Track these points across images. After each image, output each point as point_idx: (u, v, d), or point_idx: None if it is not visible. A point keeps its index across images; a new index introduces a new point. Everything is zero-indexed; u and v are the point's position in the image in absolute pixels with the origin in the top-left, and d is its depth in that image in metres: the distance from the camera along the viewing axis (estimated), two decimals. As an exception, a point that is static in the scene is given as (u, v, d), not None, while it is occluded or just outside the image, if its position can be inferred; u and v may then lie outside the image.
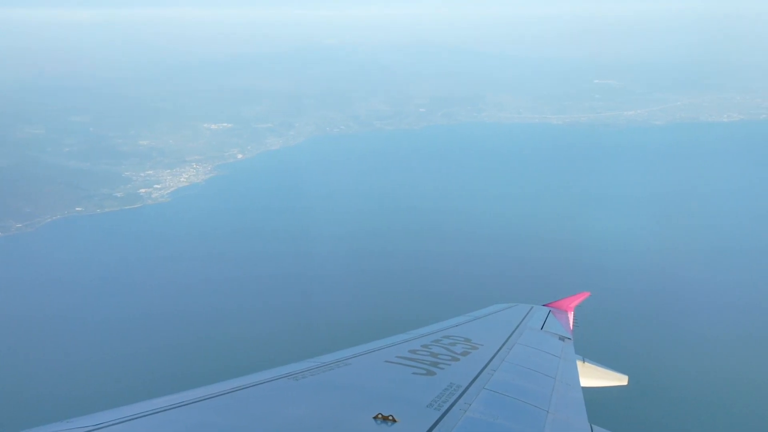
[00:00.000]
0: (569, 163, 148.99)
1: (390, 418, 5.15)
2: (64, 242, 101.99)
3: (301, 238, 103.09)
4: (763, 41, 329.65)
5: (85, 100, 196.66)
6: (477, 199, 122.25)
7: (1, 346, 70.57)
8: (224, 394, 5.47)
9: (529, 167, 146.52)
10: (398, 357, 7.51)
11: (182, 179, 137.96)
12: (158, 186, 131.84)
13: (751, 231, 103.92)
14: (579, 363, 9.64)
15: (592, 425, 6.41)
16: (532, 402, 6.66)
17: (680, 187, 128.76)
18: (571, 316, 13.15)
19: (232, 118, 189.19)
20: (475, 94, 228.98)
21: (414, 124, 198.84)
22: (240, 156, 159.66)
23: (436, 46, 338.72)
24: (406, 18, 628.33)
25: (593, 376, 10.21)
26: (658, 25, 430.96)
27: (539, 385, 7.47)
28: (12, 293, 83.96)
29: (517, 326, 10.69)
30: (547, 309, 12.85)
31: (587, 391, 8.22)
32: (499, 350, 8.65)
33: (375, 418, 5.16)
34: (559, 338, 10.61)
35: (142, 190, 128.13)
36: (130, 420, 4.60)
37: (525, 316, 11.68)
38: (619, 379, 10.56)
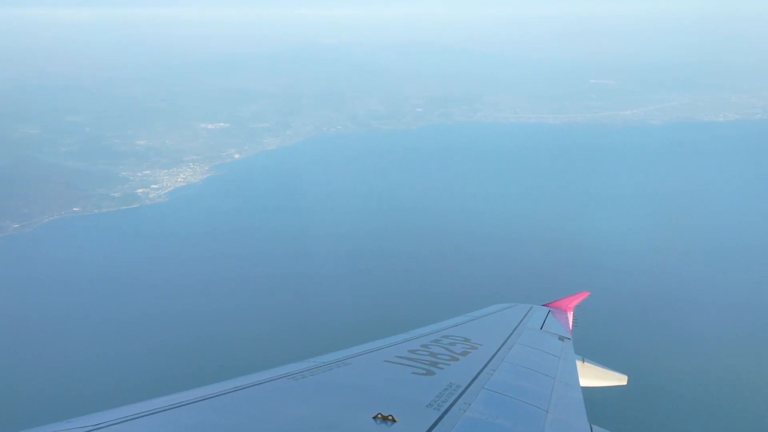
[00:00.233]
0: (567, 162, 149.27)
1: (390, 418, 5.15)
2: (62, 242, 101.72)
3: (298, 238, 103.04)
4: (757, 42, 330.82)
5: (82, 99, 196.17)
6: (475, 199, 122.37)
7: (-1, 346, 70.42)
8: (224, 394, 5.47)
9: (526, 167, 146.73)
10: (398, 357, 7.51)
11: (179, 179, 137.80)
12: (155, 186, 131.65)
13: (749, 230, 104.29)
14: (578, 363, 9.63)
15: (592, 425, 6.40)
16: (532, 402, 6.66)
17: (677, 186, 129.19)
18: (570, 316, 13.12)
19: (228, 118, 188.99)
20: (472, 94, 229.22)
21: (411, 123, 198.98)
22: (237, 156, 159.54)
23: (433, 46, 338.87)
24: (403, 18, 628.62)
25: (593, 376, 10.19)
26: (654, 26, 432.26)
27: (539, 385, 7.47)
28: (10, 293, 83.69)
29: (517, 326, 10.70)
30: (546, 309, 12.83)
31: (587, 391, 8.22)
32: (498, 350, 8.64)
33: (375, 418, 5.16)
34: (559, 338, 10.61)
35: (140, 190, 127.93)
36: (130, 420, 4.60)
37: (524, 316, 11.68)
38: (618, 379, 10.55)
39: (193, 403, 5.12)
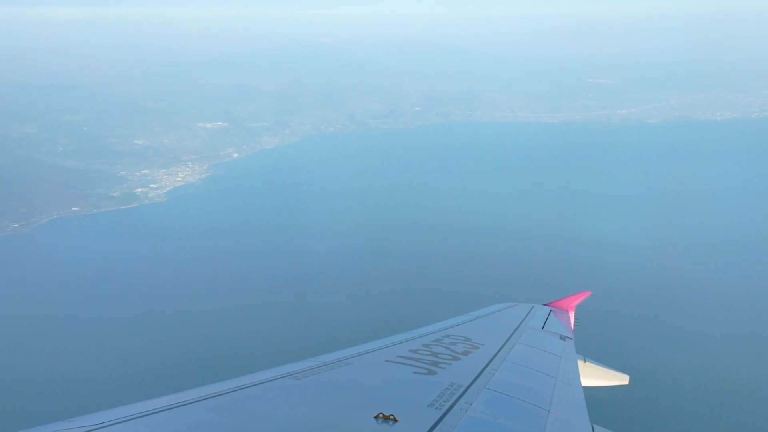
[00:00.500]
0: (564, 161, 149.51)
1: (391, 417, 5.13)
2: (61, 242, 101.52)
3: (298, 237, 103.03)
4: (754, 41, 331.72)
5: (79, 99, 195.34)
6: (473, 198, 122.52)
7: (-1, 346, 70.34)
8: (224, 393, 5.46)
9: (524, 166, 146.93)
10: (399, 356, 7.49)
11: (178, 179, 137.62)
12: (154, 185, 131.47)
13: (748, 229, 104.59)
14: (580, 362, 9.61)
15: (593, 425, 6.38)
16: (534, 401, 6.64)
17: (675, 185, 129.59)
18: (572, 315, 13.12)
19: (226, 117, 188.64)
20: (470, 93, 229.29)
21: (409, 123, 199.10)
22: (235, 155, 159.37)
23: (431, 46, 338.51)
24: (401, 17, 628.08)
25: (594, 376, 10.17)
26: (651, 25, 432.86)
27: (540, 385, 7.45)
28: (9, 293, 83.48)
29: (518, 326, 10.68)
30: (548, 308, 12.82)
31: (588, 390, 8.19)
32: (500, 350, 8.61)
33: (376, 417, 5.14)
34: (560, 338, 10.57)
35: (139, 190, 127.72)
36: (130, 420, 4.58)
37: (526, 316, 11.67)
38: (620, 379, 10.54)
39: (193, 402, 5.11)
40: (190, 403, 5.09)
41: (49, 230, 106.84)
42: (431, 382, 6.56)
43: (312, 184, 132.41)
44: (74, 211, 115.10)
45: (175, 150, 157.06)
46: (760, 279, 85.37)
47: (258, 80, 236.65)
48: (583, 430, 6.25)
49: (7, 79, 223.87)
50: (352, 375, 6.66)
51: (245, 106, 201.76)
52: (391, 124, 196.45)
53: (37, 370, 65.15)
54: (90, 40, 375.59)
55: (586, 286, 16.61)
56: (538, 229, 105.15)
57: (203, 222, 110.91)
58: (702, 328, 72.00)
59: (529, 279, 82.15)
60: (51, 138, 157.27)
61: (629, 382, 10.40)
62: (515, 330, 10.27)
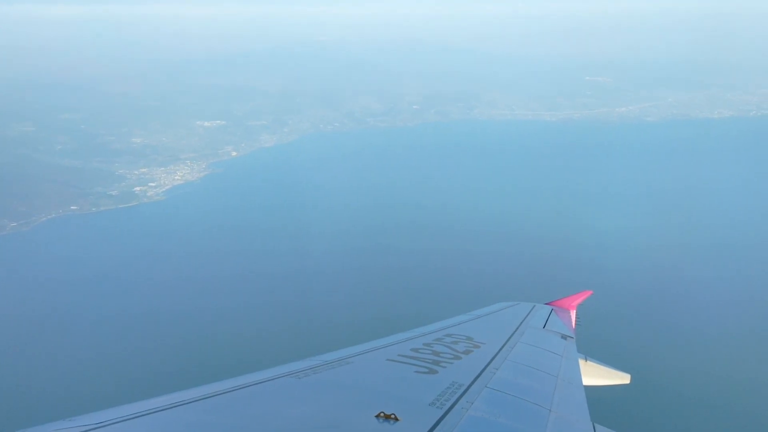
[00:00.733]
0: (563, 159, 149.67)
1: (392, 416, 5.12)
2: (60, 241, 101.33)
3: (297, 235, 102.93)
4: (751, 39, 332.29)
5: (76, 97, 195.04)
6: (472, 196, 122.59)
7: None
8: (225, 392, 5.44)
9: (523, 164, 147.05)
10: (400, 355, 7.49)
11: (177, 177, 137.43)
12: (153, 184, 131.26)
13: (747, 226, 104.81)
14: (581, 362, 9.56)
15: (595, 424, 6.36)
16: (535, 401, 6.62)
17: (673, 183, 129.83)
18: (573, 314, 13.09)
19: (224, 116, 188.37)
20: (468, 91, 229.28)
21: (408, 121, 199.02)
22: (234, 153, 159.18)
23: (428, 44, 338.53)
24: (399, 16, 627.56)
25: (595, 375, 10.14)
26: (649, 23, 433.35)
27: (541, 384, 7.43)
28: (8, 293, 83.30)
29: (519, 325, 10.64)
30: (549, 307, 12.80)
31: (590, 389, 8.17)
32: (501, 349, 8.59)
33: (377, 416, 5.13)
34: (562, 337, 10.54)
35: (137, 189, 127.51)
36: (131, 419, 4.58)
37: (527, 315, 11.63)
38: (621, 378, 10.51)
39: (194, 402, 5.10)
40: (190, 402, 5.07)
41: (48, 229, 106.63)
42: (432, 381, 6.55)
43: (311, 182, 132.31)
44: (73, 210, 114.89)
45: (173, 148, 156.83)
46: (759, 276, 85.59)
47: (256, 79, 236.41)
48: (584, 430, 6.23)
49: (4, 77, 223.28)
50: (353, 374, 6.65)
51: (244, 104, 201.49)
52: (390, 123, 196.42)
53: (36, 369, 65.05)
54: (88, 38, 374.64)
55: (586, 285, 16.62)
56: (537, 227, 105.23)
57: (202, 220, 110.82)
58: (703, 327, 71.99)
59: (530, 278, 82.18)
60: (49, 137, 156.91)
61: (630, 381, 10.38)
62: (516, 329, 10.23)
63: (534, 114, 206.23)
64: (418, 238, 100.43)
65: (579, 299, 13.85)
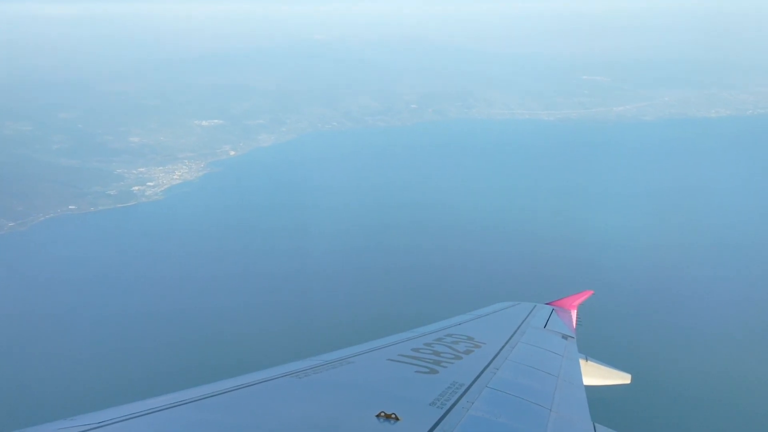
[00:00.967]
0: (561, 158, 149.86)
1: (393, 416, 5.13)
2: (58, 241, 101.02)
3: (296, 235, 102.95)
4: (749, 39, 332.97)
5: (73, 96, 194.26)
6: (471, 195, 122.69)
7: (-3, 345, 70.09)
8: (226, 392, 5.45)
9: (520, 163, 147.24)
10: (401, 355, 7.49)
11: (175, 176, 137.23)
12: (151, 183, 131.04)
13: (746, 225, 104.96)
14: (582, 361, 9.58)
15: (595, 424, 6.36)
16: (535, 401, 6.62)
17: (671, 181, 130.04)
18: (574, 314, 13.10)
19: (222, 115, 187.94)
20: (465, 90, 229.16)
21: (405, 120, 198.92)
22: (232, 153, 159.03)
23: (426, 43, 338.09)
24: (396, 14, 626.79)
25: (596, 375, 10.15)
26: (646, 23, 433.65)
27: (542, 384, 7.43)
28: (6, 293, 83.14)
29: (520, 325, 10.64)
30: (550, 307, 12.80)
31: (590, 389, 8.18)
32: (501, 349, 8.58)
33: (378, 416, 5.14)
34: (562, 337, 10.53)
35: (135, 188, 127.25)
36: (130, 419, 4.58)
37: (528, 315, 11.62)
38: (622, 378, 10.52)
39: (194, 401, 5.10)
40: (191, 402, 5.07)
41: (45, 229, 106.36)
42: (433, 380, 6.54)
43: (309, 181, 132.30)
44: (71, 210, 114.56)
45: (171, 147, 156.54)
46: (759, 275, 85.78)
47: (254, 77, 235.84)
48: (585, 430, 6.22)
49: (1, 76, 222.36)
50: (354, 374, 6.66)
51: (241, 103, 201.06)
52: (387, 122, 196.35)
53: (36, 368, 64.95)
54: (85, 36, 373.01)
55: (586, 284, 16.63)
56: (536, 226, 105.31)
57: (201, 220, 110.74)
58: (703, 327, 72.03)
59: (530, 277, 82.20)
60: (45, 136, 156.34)
61: (631, 381, 10.40)
62: (517, 329, 10.23)
63: (531, 113, 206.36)
64: (417, 238, 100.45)
65: (580, 299, 13.87)
